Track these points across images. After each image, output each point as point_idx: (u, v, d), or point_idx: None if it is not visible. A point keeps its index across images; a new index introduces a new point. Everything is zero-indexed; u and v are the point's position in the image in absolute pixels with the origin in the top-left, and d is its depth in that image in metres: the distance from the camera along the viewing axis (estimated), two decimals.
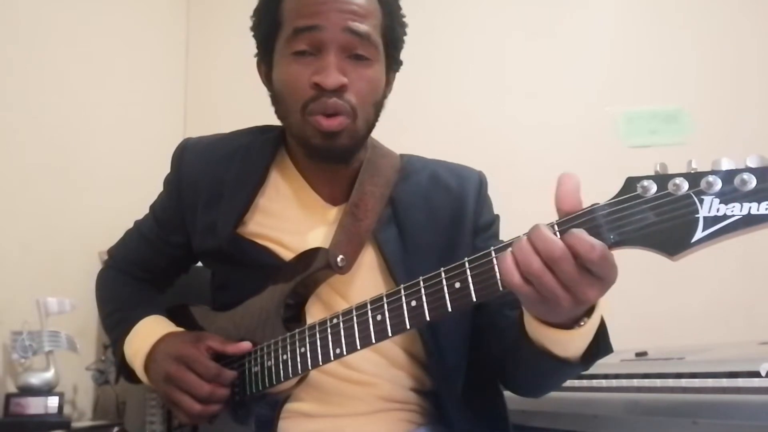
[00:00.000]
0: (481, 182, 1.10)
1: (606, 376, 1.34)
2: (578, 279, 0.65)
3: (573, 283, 0.65)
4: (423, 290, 0.78)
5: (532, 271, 0.66)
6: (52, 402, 1.78)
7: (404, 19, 1.03)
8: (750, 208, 0.57)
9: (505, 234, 1.07)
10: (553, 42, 2.43)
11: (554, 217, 0.69)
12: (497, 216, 1.12)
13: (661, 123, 2.27)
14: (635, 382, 1.26)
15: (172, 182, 1.11)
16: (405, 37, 1.04)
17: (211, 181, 1.05)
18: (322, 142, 0.94)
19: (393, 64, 1.03)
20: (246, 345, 0.96)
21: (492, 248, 0.73)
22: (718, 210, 0.59)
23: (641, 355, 1.44)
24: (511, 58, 2.46)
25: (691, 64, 2.30)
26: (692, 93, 2.28)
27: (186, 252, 1.11)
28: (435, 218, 1.03)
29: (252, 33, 1.03)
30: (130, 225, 1.20)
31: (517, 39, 2.46)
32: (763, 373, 1.05)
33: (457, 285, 0.75)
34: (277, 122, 1.06)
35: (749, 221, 0.57)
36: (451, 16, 2.50)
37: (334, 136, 0.93)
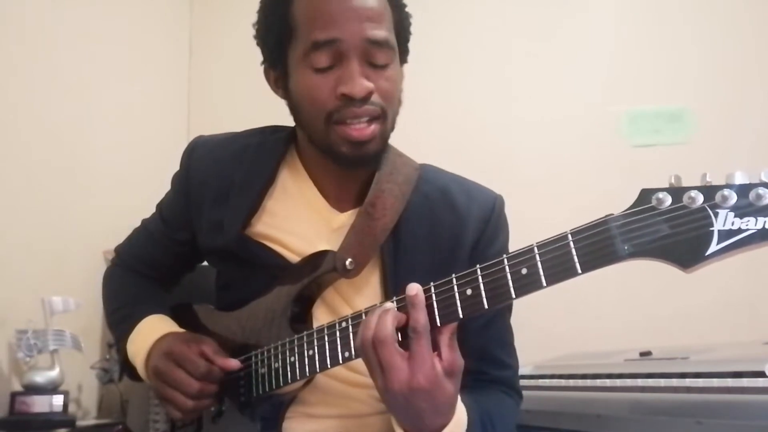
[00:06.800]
0: (493, 209, 1.02)
1: (610, 376, 1.34)
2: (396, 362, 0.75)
3: (388, 366, 0.75)
4: (434, 296, 0.77)
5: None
6: (57, 400, 1.79)
7: (407, 10, 1.00)
8: (765, 222, 0.58)
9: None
10: (554, 42, 2.43)
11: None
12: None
13: (664, 122, 2.27)
14: (639, 382, 1.27)
15: (180, 179, 1.10)
16: (411, 27, 1.01)
17: (219, 179, 1.04)
18: (352, 150, 0.91)
19: (404, 55, 1.01)
20: (234, 363, 0.95)
21: (504, 256, 0.73)
22: (732, 224, 0.59)
23: (645, 354, 1.44)
24: (513, 58, 2.45)
25: (692, 63, 2.29)
26: (693, 93, 2.28)
27: (191, 250, 1.11)
28: (435, 239, 0.99)
29: (256, 41, 1.00)
30: (135, 224, 1.20)
31: (518, 39, 2.46)
32: None
33: (469, 292, 0.74)
34: (285, 122, 1.05)
35: (764, 235, 0.58)
36: (453, 16, 2.49)
37: (365, 144, 0.91)
